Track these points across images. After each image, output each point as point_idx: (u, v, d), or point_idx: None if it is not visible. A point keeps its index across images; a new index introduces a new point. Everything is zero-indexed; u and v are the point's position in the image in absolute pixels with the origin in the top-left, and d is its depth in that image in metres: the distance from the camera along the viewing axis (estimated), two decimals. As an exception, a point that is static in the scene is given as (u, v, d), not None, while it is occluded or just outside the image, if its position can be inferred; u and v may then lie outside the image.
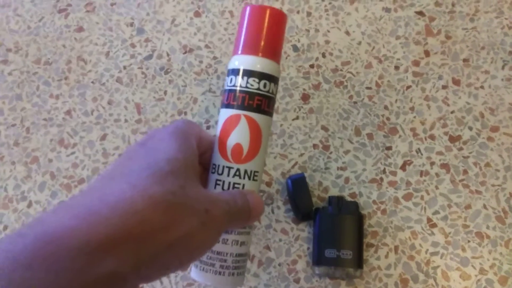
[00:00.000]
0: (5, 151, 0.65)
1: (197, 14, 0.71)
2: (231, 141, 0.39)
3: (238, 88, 0.39)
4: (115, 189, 0.30)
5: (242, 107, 0.39)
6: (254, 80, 0.39)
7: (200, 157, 0.39)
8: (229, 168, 0.39)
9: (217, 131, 0.41)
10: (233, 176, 0.39)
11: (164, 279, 0.57)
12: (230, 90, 0.40)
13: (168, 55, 0.69)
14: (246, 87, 0.39)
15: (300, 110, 0.64)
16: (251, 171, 0.39)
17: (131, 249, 0.28)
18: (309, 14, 0.69)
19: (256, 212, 0.38)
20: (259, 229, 0.59)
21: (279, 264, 0.57)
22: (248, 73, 0.39)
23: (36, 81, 0.70)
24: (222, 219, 0.34)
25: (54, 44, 0.72)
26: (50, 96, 0.68)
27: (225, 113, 0.40)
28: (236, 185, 0.39)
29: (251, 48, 0.40)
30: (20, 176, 0.64)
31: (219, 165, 0.39)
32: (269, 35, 0.40)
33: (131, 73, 0.69)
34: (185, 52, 0.69)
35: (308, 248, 0.58)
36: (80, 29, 0.72)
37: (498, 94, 0.63)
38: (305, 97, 0.65)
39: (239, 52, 0.40)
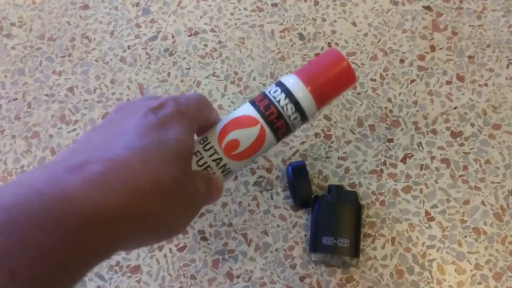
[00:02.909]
0: (6, 124, 0.65)
1: (204, -2, 0.71)
2: (235, 133, 0.40)
3: (275, 103, 0.40)
4: (128, 164, 0.29)
5: (266, 117, 0.40)
6: (292, 108, 0.40)
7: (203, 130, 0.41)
8: (215, 153, 0.40)
9: (230, 115, 0.41)
10: (213, 161, 0.40)
11: (161, 259, 0.57)
12: (268, 98, 0.41)
13: (173, 37, 0.69)
14: (282, 108, 0.40)
15: (303, 98, 0.64)
16: (227, 168, 0.40)
17: (128, 225, 0.28)
18: (316, 3, 0.69)
19: (213, 197, 0.39)
20: (257, 214, 0.59)
21: (276, 250, 0.57)
22: (293, 99, 0.40)
23: (39, 57, 0.69)
24: (200, 206, 0.36)
25: (58, 20, 0.71)
26: (52, 72, 0.68)
27: (249, 110, 0.41)
28: (208, 168, 0.40)
29: (310, 80, 0.41)
30: (20, 150, 0.64)
31: (209, 142, 0.40)
32: (331, 82, 0.41)
33: (135, 53, 0.68)
34: (190, 35, 0.69)
35: (305, 235, 0.58)
36: (86, 7, 0.72)
37: (502, 93, 0.63)
38: (309, 86, 0.65)
39: (300, 75, 0.41)
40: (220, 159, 0.40)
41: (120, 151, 0.30)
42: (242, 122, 0.40)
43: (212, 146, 0.40)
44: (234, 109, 0.44)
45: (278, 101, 0.40)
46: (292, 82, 0.41)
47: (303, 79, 0.41)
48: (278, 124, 0.40)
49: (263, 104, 0.40)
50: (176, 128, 0.34)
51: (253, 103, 0.41)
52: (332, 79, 0.41)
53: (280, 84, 0.41)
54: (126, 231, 0.28)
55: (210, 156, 0.39)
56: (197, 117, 0.37)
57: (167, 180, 0.30)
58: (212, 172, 0.40)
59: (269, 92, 0.41)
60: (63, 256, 0.25)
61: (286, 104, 0.40)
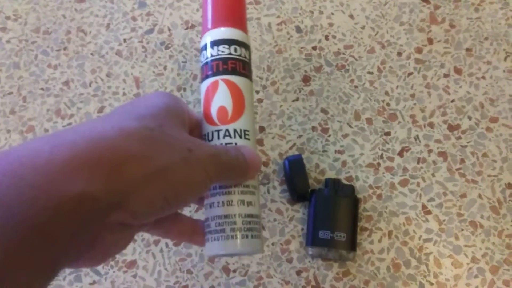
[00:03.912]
0: (1, 119, 0.65)
1: (201, -10, 0.70)
2: (214, 105, 0.39)
3: (210, 59, 0.40)
4: (86, 124, 0.29)
5: (217, 73, 0.40)
6: (224, 47, 0.40)
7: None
8: (218, 131, 0.38)
9: (201, 105, 0.41)
10: (224, 137, 0.38)
11: (157, 253, 0.57)
12: (204, 64, 0.41)
13: (169, 30, 0.69)
14: (218, 54, 0.40)
15: (300, 91, 0.64)
16: (240, 130, 0.39)
17: (101, 172, 0.26)
18: (313, -5, 0.69)
19: (253, 164, 0.37)
20: (254, 208, 0.58)
21: (273, 244, 0.57)
22: (217, 42, 0.40)
23: (34, 50, 0.69)
24: (209, 160, 0.33)
25: (54, 13, 0.71)
26: (48, 66, 0.68)
27: (204, 85, 0.40)
28: (228, 145, 0.38)
29: (216, 22, 0.41)
30: (15, 145, 0.63)
31: (208, 133, 0.39)
32: (230, 8, 0.42)
33: (131, 46, 0.68)
34: (187, 28, 0.69)
35: (302, 229, 0.58)
36: (81, 0, 0.71)
37: (499, 85, 0.63)
38: (306, 79, 0.64)
39: (206, 30, 0.41)
40: (227, 129, 0.38)
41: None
42: (210, 94, 0.40)
43: (211, 131, 0.39)
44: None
45: (211, 55, 0.40)
46: (204, 37, 0.42)
47: (205, 28, 0.42)
48: (230, 66, 0.40)
49: (205, 70, 0.41)
50: (146, 101, 0.33)
51: (202, 80, 0.41)
52: (230, 6, 0.42)
53: (201, 49, 0.42)
54: (99, 177, 0.26)
55: (218, 137, 0.38)
56: (176, 98, 0.36)
57: (136, 128, 0.29)
58: (237, 144, 0.39)
59: (201, 61, 0.42)
60: (17, 206, 0.23)
61: (217, 49, 0.40)
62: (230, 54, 0.40)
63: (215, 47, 0.40)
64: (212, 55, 0.40)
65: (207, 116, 0.39)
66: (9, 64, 0.68)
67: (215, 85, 0.39)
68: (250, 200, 0.38)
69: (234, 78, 0.40)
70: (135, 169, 0.28)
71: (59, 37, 0.69)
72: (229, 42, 0.40)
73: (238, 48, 0.40)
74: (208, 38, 0.41)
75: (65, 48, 0.69)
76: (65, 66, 0.67)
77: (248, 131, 0.40)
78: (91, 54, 0.68)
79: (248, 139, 0.39)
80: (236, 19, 0.42)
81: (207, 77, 0.40)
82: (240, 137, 0.39)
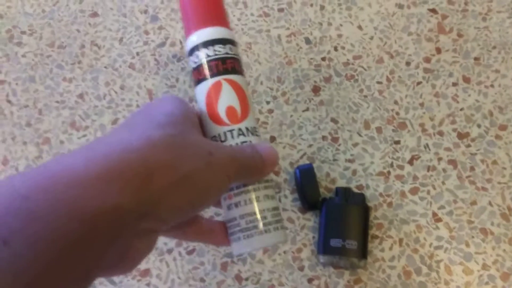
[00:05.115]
0: (17, 131, 0.66)
1: (211, 4, 0.72)
2: (222, 106, 0.39)
3: (207, 59, 0.40)
4: (114, 136, 0.30)
5: (218, 73, 0.39)
6: (220, 46, 0.40)
7: None
8: (231, 131, 0.39)
9: (201, 107, 0.40)
10: (238, 136, 0.39)
11: (170, 262, 0.58)
12: (199, 65, 0.40)
13: (181, 43, 0.70)
14: (215, 54, 0.40)
15: (310, 102, 0.65)
16: (251, 127, 0.39)
17: (132, 184, 0.27)
18: (322, 7, 0.70)
19: (269, 160, 0.37)
20: (265, 217, 0.59)
21: (284, 252, 0.58)
22: (212, 42, 0.40)
23: (49, 64, 0.70)
24: (229, 162, 0.34)
25: (68, 28, 0.72)
26: (63, 79, 0.69)
27: (204, 87, 0.40)
28: (243, 144, 0.39)
29: (205, 22, 0.40)
30: (32, 157, 0.65)
31: (219, 134, 0.39)
32: (213, 7, 0.41)
33: (144, 59, 0.69)
34: (198, 41, 0.70)
35: (313, 237, 0.58)
36: (95, 15, 0.73)
37: (508, 93, 0.63)
38: (316, 89, 0.65)
39: (193, 30, 0.41)
40: (239, 128, 0.39)
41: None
42: (213, 95, 0.39)
43: (223, 131, 0.39)
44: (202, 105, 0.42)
45: (207, 55, 0.40)
46: (190, 38, 0.41)
47: (191, 28, 0.41)
48: (229, 65, 0.40)
49: (202, 71, 0.40)
50: (162, 108, 0.34)
51: (197, 82, 0.41)
52: (211, 4, 0.41)
53: (192, 51, 0.41)
54: (131, 188, 0.27)
55: (232, 137, 0.39)
56: (182, 100, 0.37)
57: (160, 137, 0.30)
58: (251, 143, 0.39)
59: (194, 62, 0.41)
60: (53, 221, 0.24)
61: (214, 49, 0.40)
62: (227, 53, 0.40)
63: (211, 47, 0.40)
64: (208, 56, 0.40)
65: (215, 117, 0.39)
66: (25, 78, 0.70)
67: (217, 86, 0.39)
68: (272, 193, 0.39)
69: (235, 77, 0.40)
70: (163, 178, 0.29)
71: (73, 51, 0.71)
72: (223, 41, 0.40)
73: (232, 47, 0.41)
74: (199, 39, 0.40)
75: (79, 62, 0.70)
76: (79, 79, 0.69)
77: (256, 127, 0.40)
78: (105, 67, 0.69)
79: (258, 135, 0.40)
80: (223, 17, 0.42)
81: (206, 78, 0.40)
82: (252, 134, 0.39)
